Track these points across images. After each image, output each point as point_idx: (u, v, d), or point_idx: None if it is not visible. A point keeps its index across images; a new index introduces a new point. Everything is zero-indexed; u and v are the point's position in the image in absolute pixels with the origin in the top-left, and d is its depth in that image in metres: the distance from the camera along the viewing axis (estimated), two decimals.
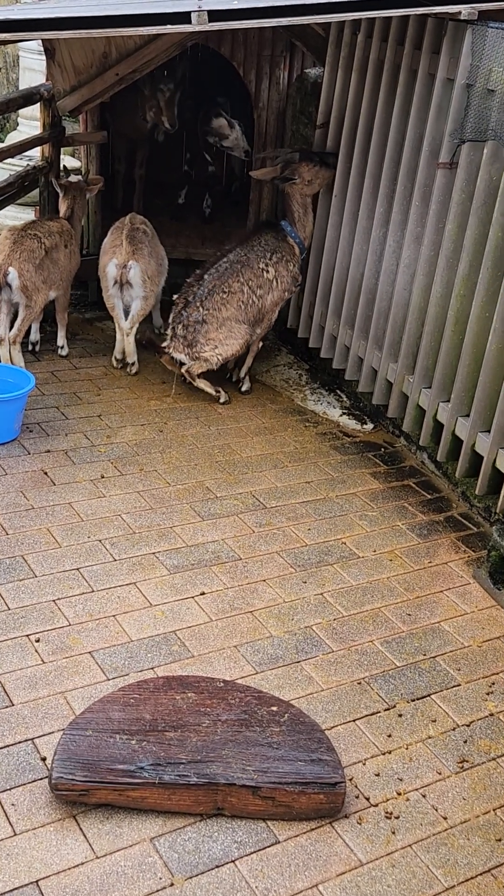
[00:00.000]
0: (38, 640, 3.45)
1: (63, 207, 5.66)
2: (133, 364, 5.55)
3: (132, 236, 5.39)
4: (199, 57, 7.26)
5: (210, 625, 3.64)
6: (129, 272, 5.29)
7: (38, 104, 5.85)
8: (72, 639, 3.48)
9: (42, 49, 6.07)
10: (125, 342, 5.50)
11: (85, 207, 5.84)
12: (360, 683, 3.45)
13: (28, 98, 5.67)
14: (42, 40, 5.72)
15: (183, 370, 5.27)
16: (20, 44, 8.18)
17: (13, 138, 7.72)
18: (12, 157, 5.74)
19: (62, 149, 6.12)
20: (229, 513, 4.37)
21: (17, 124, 8.42)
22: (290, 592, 3.88)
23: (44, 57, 5.98)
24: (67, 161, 7.31)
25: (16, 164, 6.92)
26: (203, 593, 3.81)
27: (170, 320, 5.28)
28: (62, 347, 5.71)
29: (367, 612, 3.82)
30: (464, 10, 4.09)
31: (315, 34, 5.72)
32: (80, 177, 5.90)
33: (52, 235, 5.34)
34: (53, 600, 3.66)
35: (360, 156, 5.16)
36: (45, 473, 4.48)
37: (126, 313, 5.41)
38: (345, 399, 5.64)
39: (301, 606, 3.81)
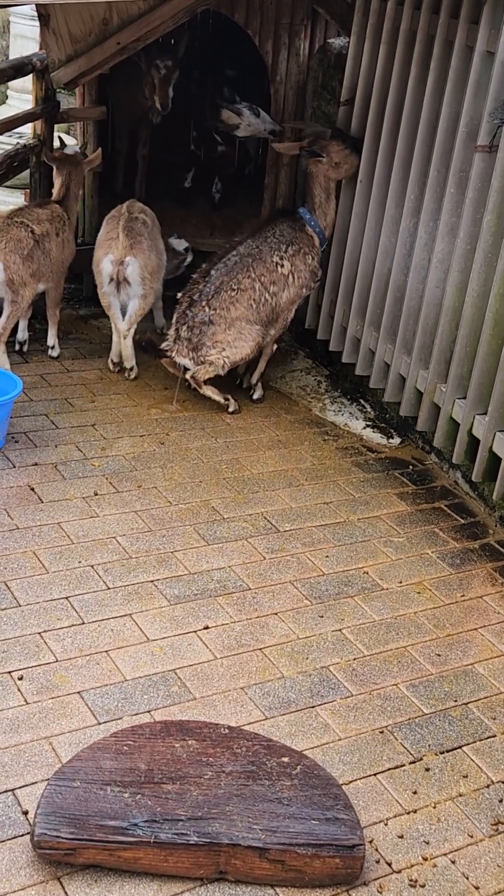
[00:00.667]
0: (20, 678, 3.45)
1: (56, 185, 5.65)
2: (131, 368, 5.56)
3: (129, 228, 5.39)
4: (209, 24, 7.29)
5: (214, 663, 3.63)
6: (127, 269, 5.30)
7: (31, 76, 5.88)
8: (59, 677, 3.48)
9: (35, 14, 6.11)
10: (122, 344, 5.52)
11: (82, 185, 5.83)
12: (382, 732, 3.43)
13: (19, 69, 5.71)
14: (35, 5, 5.75)
15: (187, 376, 5.28)
16: (11, 8, 8.24)
17: (2, 113, 7.77)
18: (0, 134, 5.77)
19: (56, 125, 6.15)
20: (237, 537, 4.36)
21: (6, 97, 8.48)
22: (305, 628, 3.87)
23: (37, 23, 6.01)
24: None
25: (4, 143, 6.97)
26: (207, 627, 3.80)
27: (173, 321, 5.29)
28: (53, 348, 5.72)
29: (392, 652, 3.81)
30: None
31: (339, 0, 5.74)
32: (76, 147, 5.88)
33: (43, 223, 5.36)
34: (39, 633, 3.66)
35: (388, 137, 5.17)
36: (32, 489, 4.49)
37: (123, 313, 5.42)
38: (369, 410, 5.63)
39: (317, 644, 3.80)
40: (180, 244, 6.09)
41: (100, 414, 5.21)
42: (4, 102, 8.54)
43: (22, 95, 7.86)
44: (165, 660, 3.61)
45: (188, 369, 5.27)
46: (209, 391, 5.31)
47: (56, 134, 6.09)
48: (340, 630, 3.88)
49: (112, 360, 5.64)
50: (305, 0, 6.00)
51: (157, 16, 5.59)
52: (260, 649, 3.73)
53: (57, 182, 5.64)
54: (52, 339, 5.73)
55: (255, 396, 5.58)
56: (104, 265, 5.35)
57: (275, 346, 5.59)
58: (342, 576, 4.20)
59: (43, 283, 5.42)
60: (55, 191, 5.65)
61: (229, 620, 3.86)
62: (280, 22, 6.10)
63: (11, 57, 8.44)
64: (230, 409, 5.38)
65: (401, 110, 5.06)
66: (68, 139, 7.38)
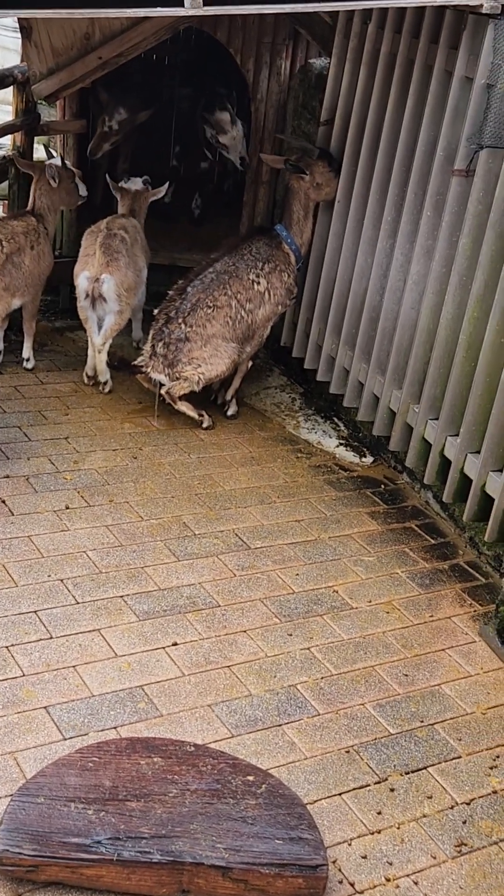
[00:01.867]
0: None
1: (32, 196, 5.62)
2: (106, 383, 5.57)
3: (107, 245, 5.40)
4: (192, 41, 7.33)
5: (182, 680, 3.63)
6: (102, 286, 5.32)
7: (11, 87, 5.88)
8: (25, 691, 3.47)
9: (17, 26, 6.12)
10: (97, 358, 5.53)
11: (58, 196, 5.80)
12: (348, 752, 3.44)
13: (0, 80, 5.71)
14: (17, 17, 5.76)
15: (163, 391, 5.29)
16: None
17: None
18: None
19: (36, 137, 6.16)
20: (208, 553, 4.37)
21: None
22: (274, 646, 3.88)
23: (19, 35, 6.02)
24: (42, 151, 7.33)
25: None
26: (175, 644, 3.80)
27: (149, 337, 5.31)
28: (28, 360, 5.72)
29: (359, 671, 3.82)
30: (486, 4, 4.15)
31: (321, 22, 5.79)
32: (57, 161, 5.86)
33: (16, 237, 5.35)
34: (6, 647, 3.65)
35: (367, 158, 5.21)
36: (3, 502, 4.48)
37: (100, 327, 5.44)
38: (342, 428, 5.66)
39: (285, 662, 3.80)
40: (135, 183, 5.94)
41: (73, 427, 5.21)
42: None
43: (2, 106, 7.86)
44: (133, 676, 3.61)
45: (163, 385, 5.28)
46: (184, 407, 5.33)
47: (47, 145, 6.09)
48: (309, 648, 3.89)
49: (87, 374, 5.65)
50: (287, 20, 6.05)
51: (139, 32, 5.62)
52: (228, 667, 3.73)
53: (32, 193, 5.65)
54: (27, 351, 5.72)
55: (230, 413, 5.59)
56: (80, 281, 5.38)
57: (250, 363, 5.62)
58: (312, 594, 4.21)
59: (18, 297, 5.42)
60: (30, 201, 5.66)
61: (198, 637, 3.86)
62: (262, 41, 6.14)
63: None
64: (204, 425, 5.39)
65: (380, 132, 5.10)
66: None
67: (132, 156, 7.18)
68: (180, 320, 5.20)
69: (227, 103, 6.69)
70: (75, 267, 5.49)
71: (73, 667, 3.60)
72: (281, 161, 5.49)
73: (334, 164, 5.38)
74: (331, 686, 3.72)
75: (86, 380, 5.65)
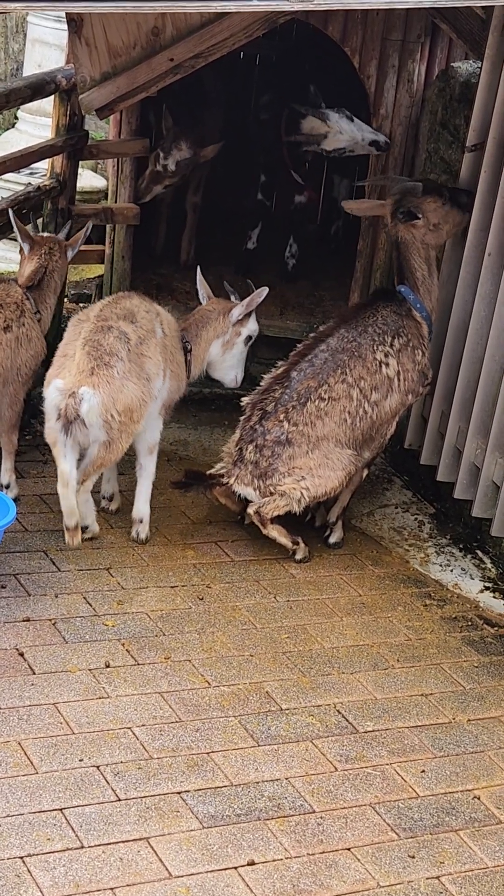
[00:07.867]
0: None
1: (27, 270, 5.57)
2: (86, 529, 5.20)
3: (96, 343, 5.08)
4: (292, 36, 7.57)
5: None
6: (81, 405, 4.94)
7: (53, 96, 6.13)
8: None
9: (61, 16, 6.38)
10: (76, 499, 5.06)
11: (65, 276, 5.84)
12: None
13: (38, 89, 5.97)
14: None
15: (250, 511, 5.37)
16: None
17: (10, 140, 8.07)
18: (10, 171, 6.00)
19: (81, 162, 6.39)
20: (300, 736, 4.39)
21: (17, 119, 8.82)
22: (389, 872, 3.86)
23: (62, 27, 6.28)
24: (88, 179, 7.61)
25: (13, 181, 7.23)
26: (252, 863, 3.80)
27: (235, 437, 5.42)
28: (8, 487, 5.51)
29: None
30: None
31: (471, 14, 5.92)
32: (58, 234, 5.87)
33: None
34: (20, 857, 3.68)
35: None
36: (21, 655, 4.56)
37: (79, 456, 5.06)
38: (489, 566, 5.66)
39: (405, 895, 3.80)
40: None
41: (117, 554, 5.30)
42: (13, 127, 8.87)
43: (37, 119, 8.16)
44: None
45: (250, 502, 5.36)
46: (275, 532, 5.37)
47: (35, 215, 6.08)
48: (439, 878, 3.86)
49: (66, 526, 5.07)
50: (424, 12, 6.20)
51: (225, 27, 5.81)
52: None
53: (29, 266, 5.58)
54: (6, 475, 5.54)
55: (333, 540, 5.65)
56: (49, 392, 5.06)
57: (365, 473, 5.67)
58: (444, 801, 4.19)
59: None
60: (24, 275, 5.58)
61: (284, 855, 3.85)
62: (389, 38, 6.31)
63: (27, 66, 8.81)
64: (297, 557, 5.45)
65: None
66: (94, 181, 7.63)
67: (205, 185, 7.36)
68: (281, 416, 5.30)
69: (304, 107, 6.68)
70: (48, 370, 5.20)
71: (112, 889, 3.62)
72: (377, 208, 5.64)
73: (444, 194, 5.56)
74: None
75: (67, 535, 5.08)
